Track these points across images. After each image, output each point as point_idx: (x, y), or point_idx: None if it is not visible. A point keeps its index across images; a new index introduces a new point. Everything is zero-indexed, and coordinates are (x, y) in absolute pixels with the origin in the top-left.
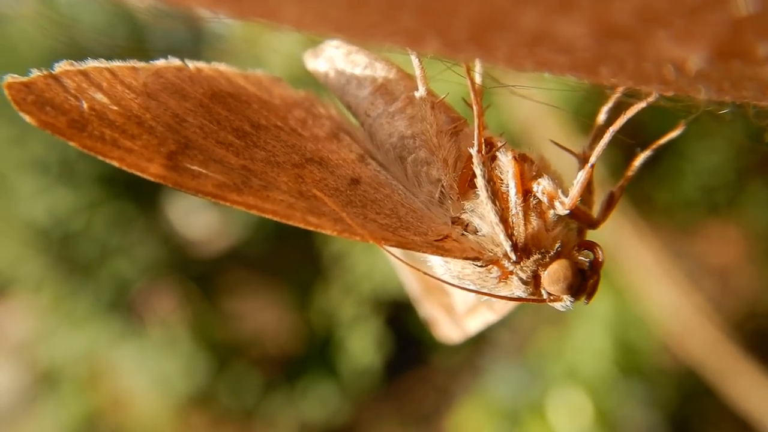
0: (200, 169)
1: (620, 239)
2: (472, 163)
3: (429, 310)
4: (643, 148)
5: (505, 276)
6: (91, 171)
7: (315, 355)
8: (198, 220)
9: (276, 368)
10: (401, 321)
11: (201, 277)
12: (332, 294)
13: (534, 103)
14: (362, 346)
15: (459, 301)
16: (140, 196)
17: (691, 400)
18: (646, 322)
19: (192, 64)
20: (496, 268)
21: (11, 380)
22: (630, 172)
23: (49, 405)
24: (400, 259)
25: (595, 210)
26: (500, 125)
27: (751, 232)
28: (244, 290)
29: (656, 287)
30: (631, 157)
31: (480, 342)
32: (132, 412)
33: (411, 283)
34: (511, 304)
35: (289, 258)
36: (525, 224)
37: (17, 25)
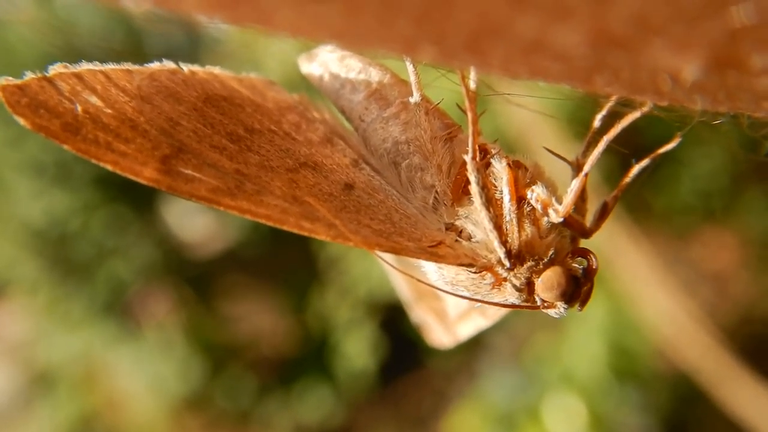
0: (194, 173)
1: (616, 245)
2: (467, 170)
3: (421, 315)
4: (638, 156)
5: (498, 282)
6: (88, 173)
7: (311, 357)
8: (194, 222)
9: (271, 371)
10: (397, 324)
11: (197, 279)
12: (328, 297)
13: (529, 111)
14: (358, 349)
15: (451, 307)
16: (136, 199)
17: (686, 405)
18: (642, 327)
19: (186, 68)
20: (489, 274)
21: (7, 381)
22: (624, 183)
23: (45, 406)
24: (391, 265)
25: (588, 218)
26: (496, 132)
27: (747, 238)
28: (240, 293)
29: (651, 292)
30: (626, 164)
31: (476, 346)
32: (127, 413)
33: (403, 288)
34: (504, 311)
35: (285, 261)
36: (519, 231)
37: (15, 29)
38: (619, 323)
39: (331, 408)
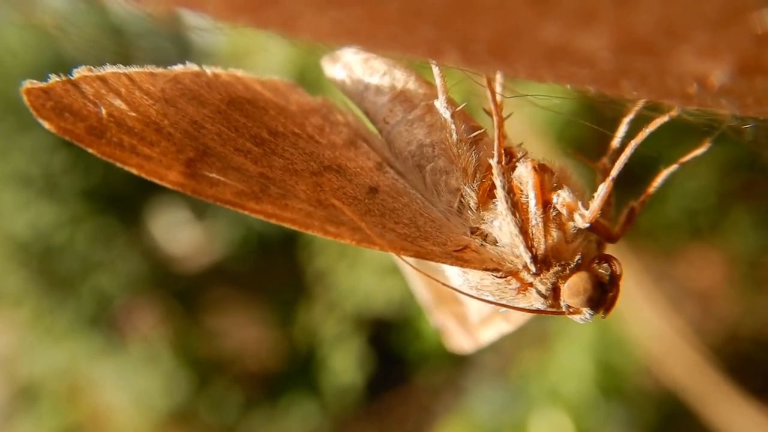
0: (219, 177)
1: None
2: (492, 174)
3: (441, 319)
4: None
5: (524, 288)
6: (74, 185)
7: (297, 372)
8: (181, 235)
9: (257, 385)
10: (384, 339)
11: (183, 293)
12: (315, 311)
13: (555, 113)
14: (344, 364)
15: (473, 311)
16: (123, 211)
17: (672, 422)
18: (628, 344)
19: (209, 70)
20: (515, 279)
21: None
22: (651, 189)
23: (28, 420)
24: (415, 268)
25: (614, 223)
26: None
27: (733, 256)
28: (227, 307)
29: (638, 310)
30: (649, 171)
31: (462, 362)
32: (111, 428)
33: (422, 292)
34: (528, 316)
35: (272, 275)
36: (545, 236)
37: (1, 41)
38: (605, 340)
39: (317, 423)
